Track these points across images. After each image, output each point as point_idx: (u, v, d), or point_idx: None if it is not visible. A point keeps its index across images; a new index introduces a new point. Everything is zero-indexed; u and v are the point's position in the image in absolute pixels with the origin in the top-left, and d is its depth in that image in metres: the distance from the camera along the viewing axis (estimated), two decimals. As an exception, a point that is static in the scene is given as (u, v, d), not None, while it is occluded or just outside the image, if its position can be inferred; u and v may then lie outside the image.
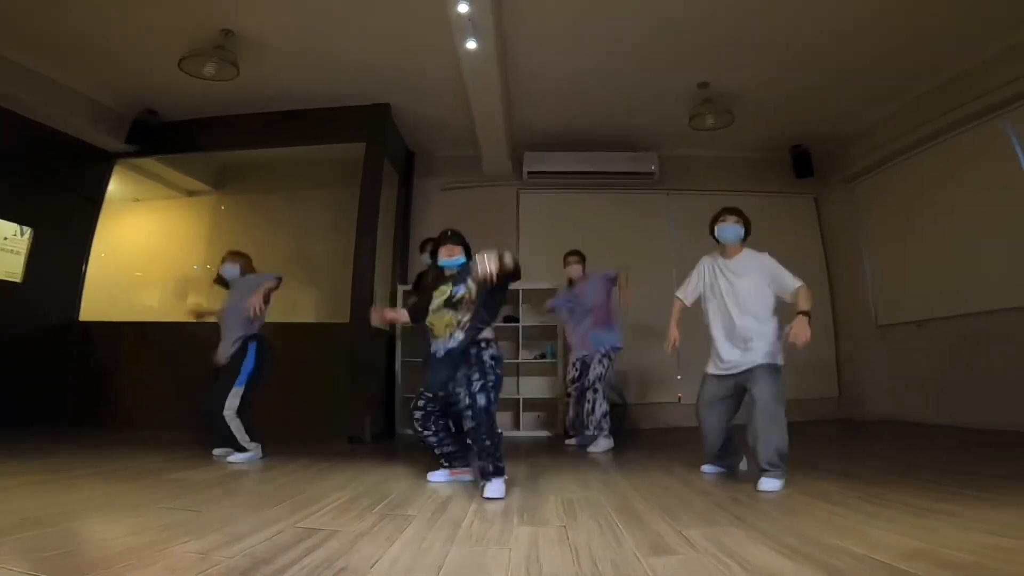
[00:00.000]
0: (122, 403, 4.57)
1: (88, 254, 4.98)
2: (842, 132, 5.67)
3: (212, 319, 3.63)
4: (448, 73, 4.42)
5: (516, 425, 5.36)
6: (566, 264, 4.35)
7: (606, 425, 3.95)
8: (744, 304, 2.74)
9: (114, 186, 5.24)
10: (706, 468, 2.93)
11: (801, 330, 2.56)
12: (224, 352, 3.42)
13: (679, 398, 5.69)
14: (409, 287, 4.75)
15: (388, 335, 5.16)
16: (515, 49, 4.23)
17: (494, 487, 2.41)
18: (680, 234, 5.99)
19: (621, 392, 5.25)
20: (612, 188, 5.95)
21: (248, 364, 3.39)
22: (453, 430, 2.76)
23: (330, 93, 4.76)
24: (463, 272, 2.72)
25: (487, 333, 2.65)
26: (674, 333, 3.01)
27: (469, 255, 2.75)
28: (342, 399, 4.36)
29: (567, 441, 4.35)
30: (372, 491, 2.44)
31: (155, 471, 2.83)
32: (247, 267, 3.66)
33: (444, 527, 1.88)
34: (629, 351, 5.47)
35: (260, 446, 3.38)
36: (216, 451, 3.43)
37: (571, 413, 4.28)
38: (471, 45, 3.82)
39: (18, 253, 4.50)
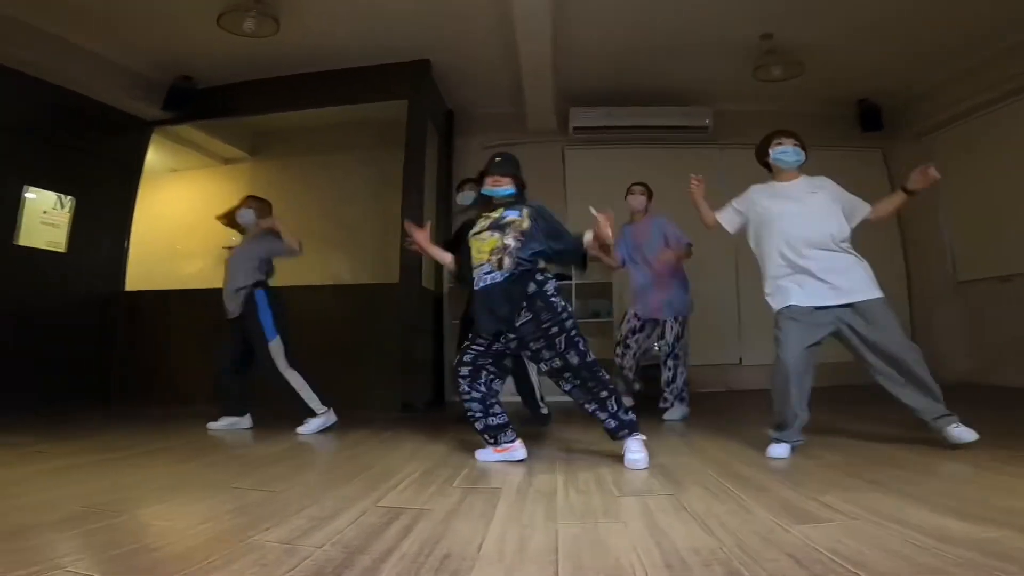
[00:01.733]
0: (172, 375, 4.50)
1: (130, 224, 4.90)
2: (915, 86, 5.25)
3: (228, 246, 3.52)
4: (493, 25, 4.14)
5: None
6: (628, 193, 3.84)
7: (687, 395, 3.64)
8: (820, 226, 2.36)
9: (152, 156, 5.12)
10: (778, 450, 2.23)
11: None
12: (232, 306, 3.25)
13: (740, 360, 5.43)
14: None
15: (435, 295, 4.98)
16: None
17: (637, 454, 2.06)
18: (733, 190, 5.62)
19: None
20: (662, 143, 5.59)
21: (265, 315, 3.20)
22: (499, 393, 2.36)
23: (369, 50, 4.49)
24: (516, 202, 2.36)
25: (541, 265, 2.31)
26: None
27: (522, 188, 2.40)
28: (393, 364, 4.20)
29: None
30: (445, 463, 2.27)
31: (214, 447, 2.73)
32: (264, 213, 3.44)
33: (538, 501, 1.69)
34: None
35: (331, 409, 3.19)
36: (214, 424, 3.26)
37: (626, 364, 3.75)
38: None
39: (58, 226, 4.42)
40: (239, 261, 3.32)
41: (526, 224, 2.27)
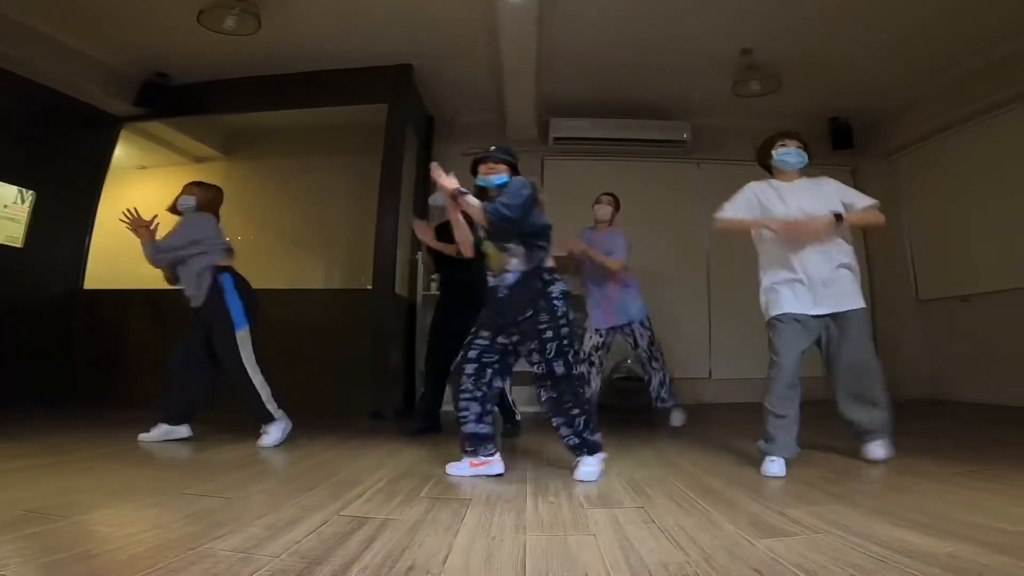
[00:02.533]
0: (132, 377, 4.32)
1: (93, 221, 4.72)
2: (885, 105, 5.40)
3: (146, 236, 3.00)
4: (478, 33, 4.13)
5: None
6: (596, 202, 3.86)
7: (678, 396, 3.71)
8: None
9: (120, 152, 4.97)
10: (773, 468, 2.13)
11: (816, 223, 2.25)
12: (195, 292, 2.90)
13: (709, 373, 5.47)
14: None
15: (408, 302, 4.92)
16: (553, 8, 3.91)
17: (589, 467, 2.06)
18: (710, 205, 5.70)
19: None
20: (641, 156, 5.65)
21: (233, 300, 2.89)
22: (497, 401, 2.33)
23: (351, 52, 4.44)
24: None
25: (550, 261, 2.22)
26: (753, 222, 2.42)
27: (516, 174, 2.29)
28: (363, 372, 4.12)
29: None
30: (412, 471, 2.22)
31: (171, 451, 2.61)
32: (205, 201, 3.10)
33: (507, 512, 1.66)
34: (657, 325, 5.26)
35: (285, 415, 2.88)
36: (145, 435, 2.83)
37: (592, 384, 3.71)
38: (516, -1, 3.50)
39: (17, 221, 4.24)
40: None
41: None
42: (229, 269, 2.98)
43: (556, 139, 5.45)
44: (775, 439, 2.20)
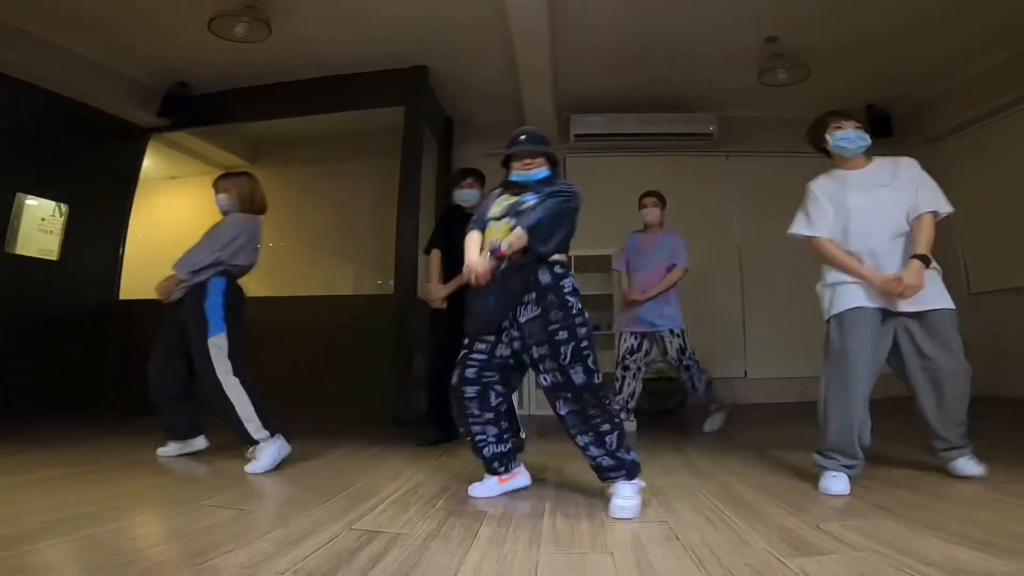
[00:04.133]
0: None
1: (126, 232, 4.85)
2: (925, 91, 5.15)
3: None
4: (491, 32, 4.08)
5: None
6: (641, 206, 3.70)
7: (716, 397, 3.58)
8: (895, 220, 2.06)
9: (149, 163, 5.10)
10: (837, 485, 1.87)
11: (914, 278, 1.93)
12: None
13: (744, 373, 5.31)
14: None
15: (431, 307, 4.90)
16: (565, 2, 3.84)
17: (629, 500, 1.68)
18: (739, 199, 5.58)
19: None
20: (666, 151, 5.52)
21: (214, 301, 2.53)
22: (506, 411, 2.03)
23: (365, 56, 4.45)
24: (543, 187, 1.97)
25: (562, 258, 1.95)
26: (855, 264, 2.08)
27: (555, 165, 2.04)
28: (386, 377, 4.10)
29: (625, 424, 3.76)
30: (429, 482, 2.17)
31: (196, 460, 2.62)
32: (244, 196, 2.81)
33: (523, 526, 1.59)
34: (691, 324, 5.12)
35: (282, 435, 2.45)
36: (163, 450, 2.68)
37: (627, 390, 3.61)
38: (524, -2, 3.44)
39: (54, 233, 4.38)
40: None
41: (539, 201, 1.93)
42: (224, 272, 2.64)
43: (577, 136, 5.37)
44: (836, 451, 1.95)
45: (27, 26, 3.80)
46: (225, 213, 2.80)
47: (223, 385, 2.41)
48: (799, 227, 2.20)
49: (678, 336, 3.56)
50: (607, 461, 1.76)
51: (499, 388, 1.94)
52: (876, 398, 2.02)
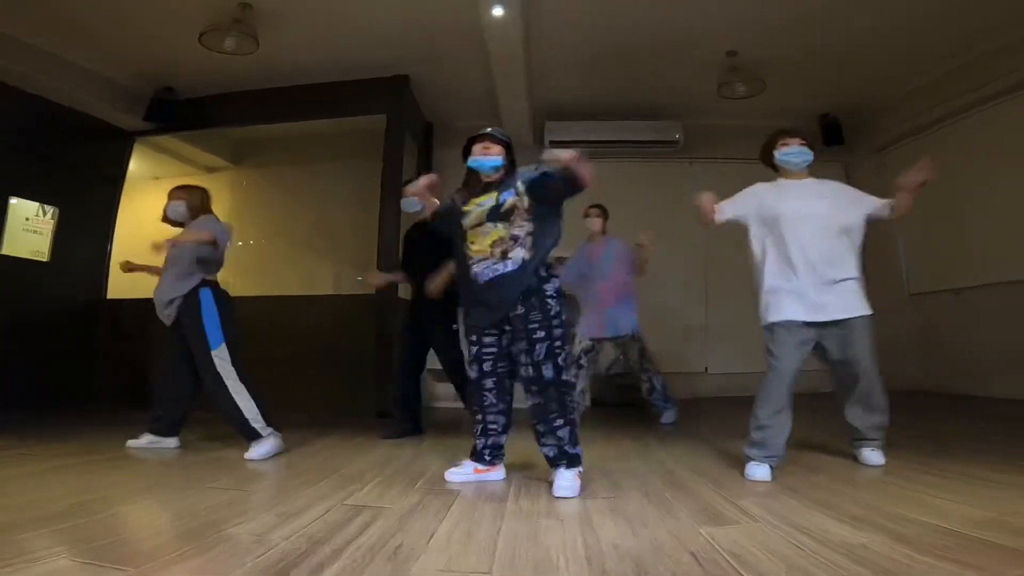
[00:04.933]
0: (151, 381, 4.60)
1: (112, 232, 4.99)
2: (875, 101, 5.51)
3: (148, 271, 3.02)
4: (469, 42, 4.30)
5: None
6: (586, 216, 3.98)
7: (671, 396, 3.87)
8: (828, 230, 2.28)
9: (134, 164, 5.23)
10: (759, 471, 2.12)
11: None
12: (167, 311, 2.80)
13: (706, 368, 5.65)
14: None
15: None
16: (539, 16, 4.08)
17: (567, 483, 1.92)
18: (704, 203, 5.88)
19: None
20: (635, 157, 5.82)
21: (210, 314, 2.74)
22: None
23: (349, 66, 4.65)
24: (507, 179, 2.12)
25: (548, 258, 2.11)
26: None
27: (512, 163, 2.19)
28: (369, 372, 4.35)
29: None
30: (410, 466, 2.43)
31: (193, 450, 2.84)
32: (198, 205, 2.96)
33: (490, 501, 1.87)
34: (654, 322, 5.42)
35: (279, 433, 2.73)
36: (134, 441, 2.84)
37: (579, 385, 3.81)
38: (497, 12, 3.69)
39: (41, 233, 4.51)
40: (170, 264, 2.86)
41: (526, 202, 2.05)
42: (210, 283, 2.84)
43: (552, 142, 5.60)
44: (760, 443, 2.19)
45: (16, 32, 3.92)
46: (177, 223, 2.95)
47: (231, 392, 2.65)
48: (719, 213, 2.43)
49: (637, 341, 3.84)
50: (553, 452, 2.02)
51: (510, 379, 2.16)
52: (806, 393, 2.33)
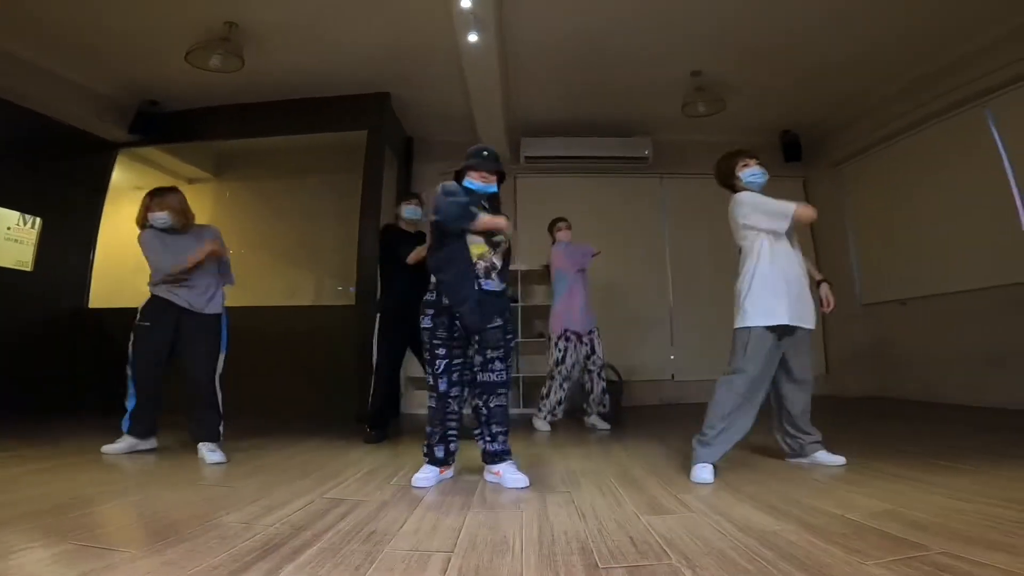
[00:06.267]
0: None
1: (95, 242, 5.09)
2: (830, 119, 5.83)
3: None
4: (447, 64, 4.51)
5: (518, 403, 5.54)
6: (556, 230, 4.29)
7: (607, 402, 4.11)
8: (795, 248, 2.50)
9: (117, 175, 5.32)
10: (704, 474, 2.24)
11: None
12: (199, 302, 2.96)
13: (672, 376, 5.89)
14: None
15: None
16: (514, 39, 4.31)
17: (519, 475, 2.22)
18: (672, 217, 6.18)
19: (617, 370, 5.42)
20: (607, 172, 6.08)
21: (226, 323, 3.07)
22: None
23: (331, 83, 4.83)
24: (492, 204, 2.40)
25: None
26: None
27: (500, 183, 2.45)
28: (349, 380, 4.50)
29: (539, 425, 4.09)
30: (387, 465, 2.61)
31: (180, 452, 2.98)
32: (178, 212, 3.03)
33: (459, 494, 2.06)
34: (625, 331, 5.66)
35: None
36: (109, 447, 2.88)
37: (554, 398, 4.05)
38: (473, 39, 3.90)
39: (23, 242, 4.59)
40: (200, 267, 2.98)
41: (507, 247, 2.38)
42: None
43: (527, 158, 5.85)
44: (708, 443, 2.31)
45: (9, 48, 4.05)
46: (168, 230, 3.01)
47: (216, 393, 2.92)
48: (782, 208, 2.42)
49: (598, 337, 4.12)
50: (501, 446, 2.30)
51: (469, 383, 2.35)
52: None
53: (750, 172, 2.57)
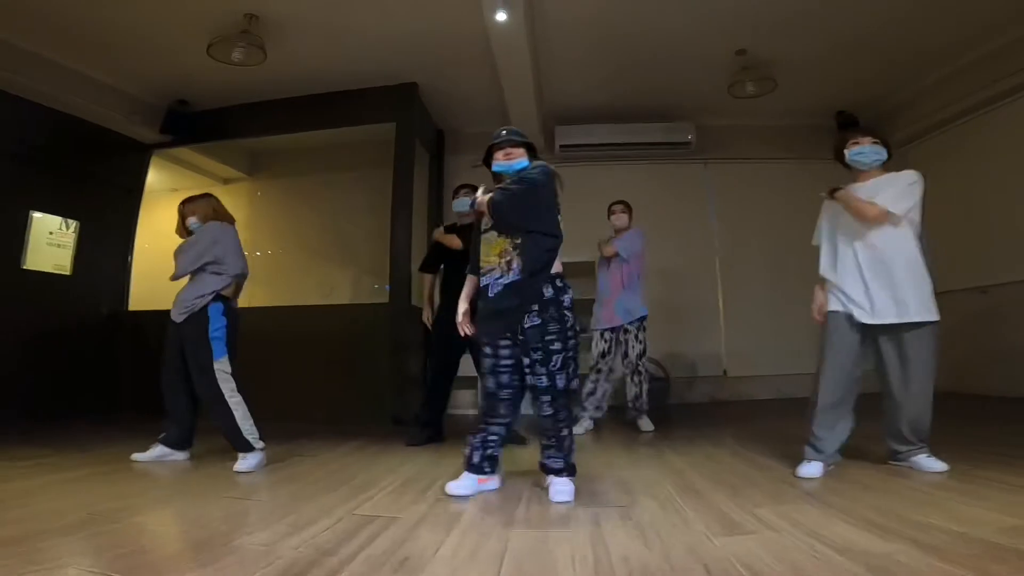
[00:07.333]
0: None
1: (133, 245, 5.09)
2: (890, 99, 5.42)
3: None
4: (476, 48, 4.32)
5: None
6: (611, 214, 4.01)
7: (647, 403, 3.84)
8: (881, 230, 2.25)
9: (152, 177, 5.33)
10: (810, 469, 2.17)
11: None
12: (182, 307, 2.78)
13: (724, 372, 5.57)
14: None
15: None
16: (545, 19, 4.08)
17: (566, 487, 1.98)
18: (717, 204, 5.84)
19: (664, 365, 5.15)
20: (647, 159, 5.79)
21: (217, 328, 2.74)
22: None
23: (357, 74, 4.69)
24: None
25: (558, 266, 2.10)
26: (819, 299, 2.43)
27: (534, 155, 2.20)
28: (384, 380, 4.37)
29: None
30: (423, 474, 2.42)
31: (211, 460, 2.86)
32: (208, 214, 2.99)
33: (501, 510, 1.85)
34: (673, 325, 5.37)
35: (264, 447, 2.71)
36: (139, 455, 2.80)
37: (590, 388, 3.86)
38: (501, 17, 3.69)
39: (64, 247, 4.60)
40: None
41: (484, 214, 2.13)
42: (222, 297, 2.83)
43: (562, 147, 5.61)
44: (816, 441, 2.22)
45: (32, 48, 4.03)
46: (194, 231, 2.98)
47: (229, 403, 2.67)
48: (816, 240, 2.53)
49: (640, 342, 3.82)
50: (557, 463, 2.04)
51: (523, 392, 2.13)
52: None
53: (857, 150, 2.37)
